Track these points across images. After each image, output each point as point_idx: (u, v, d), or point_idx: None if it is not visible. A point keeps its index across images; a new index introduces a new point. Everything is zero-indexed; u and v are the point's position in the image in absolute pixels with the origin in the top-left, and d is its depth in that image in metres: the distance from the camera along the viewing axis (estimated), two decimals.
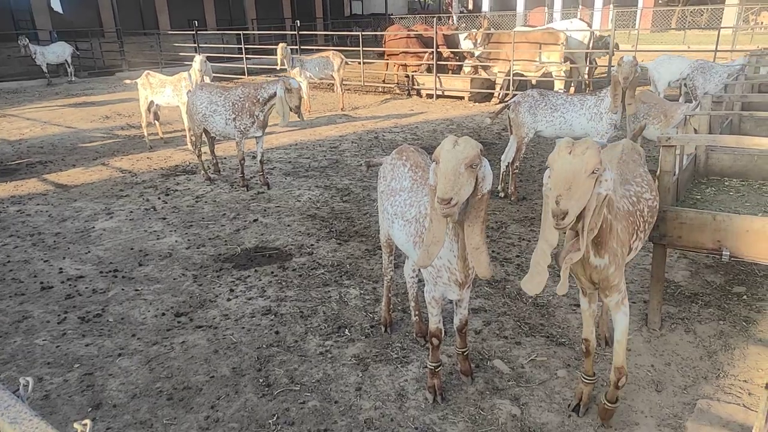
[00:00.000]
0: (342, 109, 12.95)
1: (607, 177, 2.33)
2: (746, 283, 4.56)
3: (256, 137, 7.16)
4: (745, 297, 4.35)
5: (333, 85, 14.08)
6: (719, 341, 3.80)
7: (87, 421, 1.15)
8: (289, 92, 6.65)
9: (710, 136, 4.57)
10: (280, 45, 12.04)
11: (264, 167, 7.58)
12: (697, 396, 3.26)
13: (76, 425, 1.15)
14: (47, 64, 17.88)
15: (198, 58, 9.19)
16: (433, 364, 3.35)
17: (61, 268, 5.20)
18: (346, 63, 13.28)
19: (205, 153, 7.98)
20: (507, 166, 6.81)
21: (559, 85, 13.20)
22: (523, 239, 5.58)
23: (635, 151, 3.45)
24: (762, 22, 28.18)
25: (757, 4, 27.62)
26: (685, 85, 9.34)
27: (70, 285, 4.89)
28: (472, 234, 2.66)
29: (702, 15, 28.59)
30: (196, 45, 18.24)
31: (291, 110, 6.74)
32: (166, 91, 9.21)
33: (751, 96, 6.20)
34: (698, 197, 4.37)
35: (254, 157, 7.36)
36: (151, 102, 9.47)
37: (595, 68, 14.90)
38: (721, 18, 26.74)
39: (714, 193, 4.45)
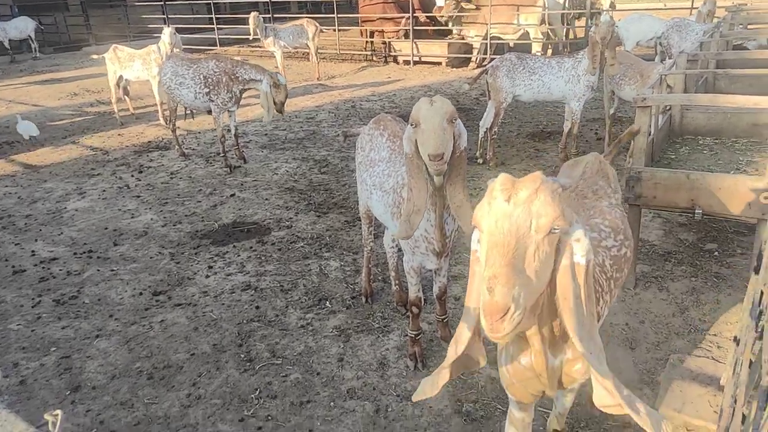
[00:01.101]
0: (318, 78, 12.72)
1: (578, 236, 1.53)
2: (717, 240, 4.63)
3: (230, 111, 6.97)
4: (716, 253, 4.43)
5: (308, 54, 13.80)
6: (691, 297, 3.87)
7: (58, 412, 1.13)
8: (276, 88, 6.51)
9: (685, 96, 4.59)
10: (252, 14, 11.71)
11: (239, 140, 7.43)
12: (669, 351, 3.34)
13: (46, 416, 1.12)
14: (9, 40, 17.22)
15: (167, 30, 8.90)
16: (414, 332, 3.37)
17: (33, 251, 5.10)
18: (321, 31, 12.99)
19: (179, 127, 7.80)
20: (485, 132, 6.78)
21: (536, 48, 13.10)
22: None
23: (601, 175, 2.59)
24: None
25: None
26: (660, 44, 9.33)
27: (43, 267, 4.80)
28: (455, 192, 2.66)
29: None
30: (164, 16, 17.69)
31: (275, 105, 6.60)
32: (136, 66, 8.94)
33: (725, 54, 6.21)
34: (673, 156, 4.40)
35: (229, 131, 7.19)
36: (120, 77, 9.19)
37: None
38: None
39: (688, 152, 4.49)
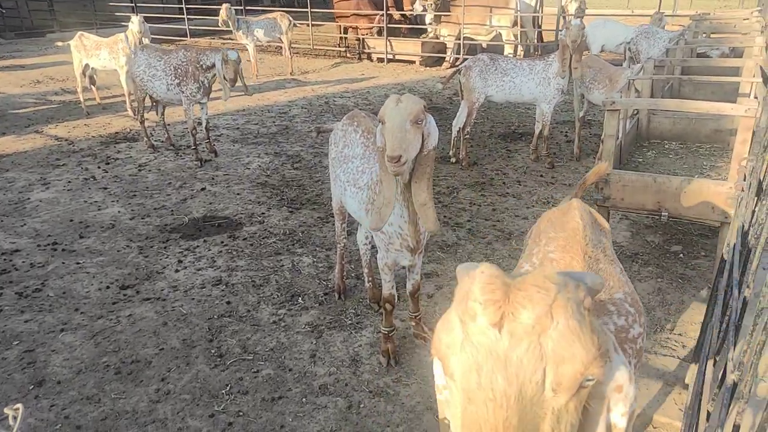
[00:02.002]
0: (291, 73, 12.61)
1: (620, 380, 0.95)
2: (683, 242, 4.79)
3: (200, 103, 6.85)
4: (681, 255, 4.58)
5: (281, 48, 13.65)
6: (657, 298, 3.99)
7: (18, 406, 1.09)
8: (226, 64, 6.32)
9: (652, 100, 4.72)
10: (224, 6, 11.52)
11: (210, 134, 7.30)
12: None
13: (6, 410, 1.09)
14: None
15: (135, 19, 8.68)
16: (387, 329, 3.39)
17: None
18: (294, 25, 12.87)
19: (147, 119, 7.63)
20: (458, 132, 6.83)
21: (509, 50, 13.26)
22: (474, 204, 5.65)
23: (597, 228, 2.03)
24: None
25: None
26: (630, 49, 9.55)
27: (5, 259, 4.64)
28: (419, 190, 2.66)
29: None
30: (133, 5, 17.24)
31: (227, 82, 6.40)
32: (102, 54, 8.69)
33: (690, 60, 6.40)
34: (640, 160, 4.52)
35: (200, 124, 7.06)
36: (86, 65, 8.93)
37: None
38: None
39: (655, 156, 4.62)
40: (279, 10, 13.10)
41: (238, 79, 6.45)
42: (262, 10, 16.03)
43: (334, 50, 15.53)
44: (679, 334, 3.57)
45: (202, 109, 6.95)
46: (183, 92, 6.59)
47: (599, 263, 1.76)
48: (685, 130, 4.94)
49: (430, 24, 13.69)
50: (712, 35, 9.22)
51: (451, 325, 0.85)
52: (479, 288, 0.84)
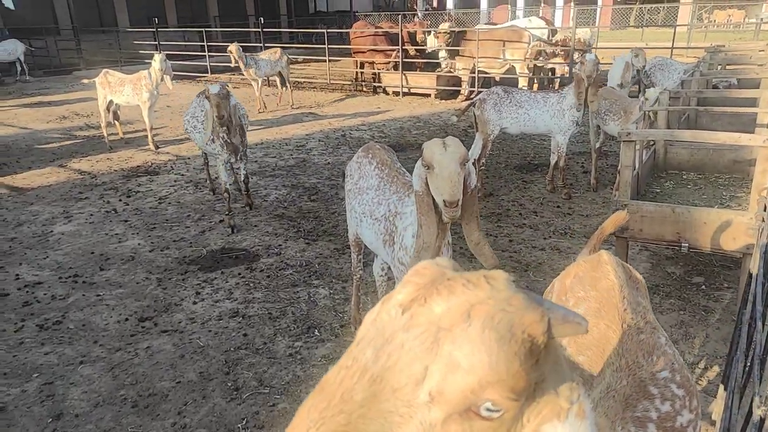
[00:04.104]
0: (278, 104, 12.80)
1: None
2: (704, 274, 4.70)
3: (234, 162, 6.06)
4: (703, 287, 4.49)
5: (297, 83, 13.94)
6: (680, 331, 3.91)
7: None
8: (208, 99, 5.54)
9: (668, 131, 4.71)
10: (232, 46, 11.85)
11: (249, 189, 6.55)
12: None
13: None
14: None
15: (158, 57, 8.98)
16: None
17: (17, 275, 5.01)
18: (290, 61, 13.09)
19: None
20: (473, 163, 6.86)
21: (523, 83, 13.38)
22: (491, 235, 5.63)
23: (634, 285, 1.73)
24: (715, 20, 29.16)
25: (710, 2, 28.55)
26: (643, 81, 9.59)
27: (27, 292, 4.71)
28: (471, 230, 2.68)
29: (659, 13, 29.44)
30: (156, 43, 17.81)
31: (216, 121, 5.49)
32: (126, 91, 8.97)
33: (706, 92, 6.40)
34: (658, 191, 4.49)
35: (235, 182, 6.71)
36: (111, 101, 9.21)
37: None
38: (676, 16, 27.56)
39: (673, 187, 4.59)
40: (279, 46, 13.37)
41: (227, 115, 5.47)
42: (281, 47, 16.42)
43: (350, 84, 15.82)
44: (704, 369, 3.48)
45: (237, 161, 6.14)
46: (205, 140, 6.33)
47: (640, 334, 1.50)
48: (703, 161, 4.91)
49: (444, 59, 13.93)
50: (727, 67, 9.22)
51: (374, 309, 0.74)
52: (413, 270, 0.73)
